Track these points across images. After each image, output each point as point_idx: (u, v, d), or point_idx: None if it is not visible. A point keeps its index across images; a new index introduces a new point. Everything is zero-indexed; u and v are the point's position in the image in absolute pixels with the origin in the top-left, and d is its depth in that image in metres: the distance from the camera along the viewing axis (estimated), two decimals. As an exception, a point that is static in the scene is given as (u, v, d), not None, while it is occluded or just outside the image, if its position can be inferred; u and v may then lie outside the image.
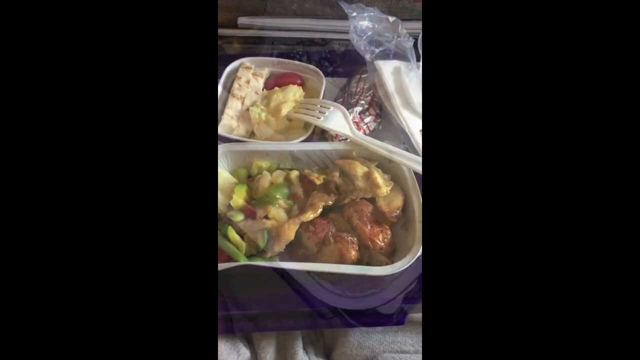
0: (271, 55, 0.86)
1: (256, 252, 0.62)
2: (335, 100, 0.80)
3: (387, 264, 0.59)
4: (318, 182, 0.66)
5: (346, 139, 0.70)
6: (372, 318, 0.63)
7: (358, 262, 0.61)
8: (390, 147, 0.65)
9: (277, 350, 0.67)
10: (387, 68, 0.74)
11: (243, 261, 0.60)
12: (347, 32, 0.76)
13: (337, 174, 0.66)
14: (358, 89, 0.78)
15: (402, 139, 0.72)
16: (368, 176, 0.64)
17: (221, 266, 0.56)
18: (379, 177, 0.64)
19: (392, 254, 0.62)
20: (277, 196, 0.65)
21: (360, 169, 0.65)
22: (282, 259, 0.62)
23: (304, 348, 0.67)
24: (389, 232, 0.63)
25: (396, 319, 0.62)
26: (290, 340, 0.66)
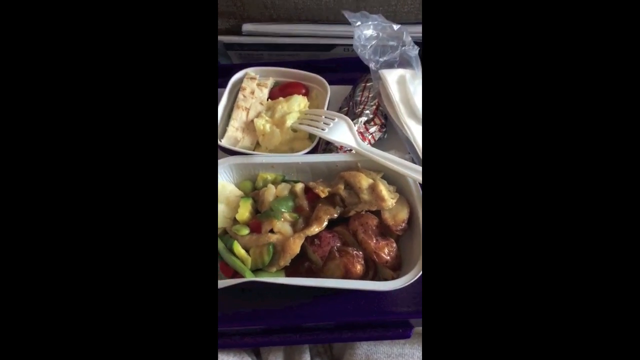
0: (275, 64, 0.86)
1: (262, 266, 0.62)
2: (339, 109, 0.80)
3: (393, 277, 0.59)
4: (323, 195, 0.65)
5: (351, 150, 0.69)
6: (377, 332, 0.63)
7: (364, 275, 0.60)
8: (396, 158, 0.65)
9: (284, 362, 0.67)
10: (392, 77, 0.74)
11: (249, 276, 0.60)
12: (352, 37, 0.75)
13: (342, 186, 0.66)
14: (363, 98, 0.77)
15: (407, 148, 0.72)
16: (373, 189, 0.63)
17: (227, 282, 0.57)
18: (384, 189, 0.63)
19: (398, 268, 0.62)
20: (282, 209, 0.65)
21: (365, 182, 0.64)
22: (288, 273, 0.62)
23: (311, 360, 0.67)
24: (394, 245, 0.62)
25: (402, 333, 0.62)
26: (298, 353, 0.67)
